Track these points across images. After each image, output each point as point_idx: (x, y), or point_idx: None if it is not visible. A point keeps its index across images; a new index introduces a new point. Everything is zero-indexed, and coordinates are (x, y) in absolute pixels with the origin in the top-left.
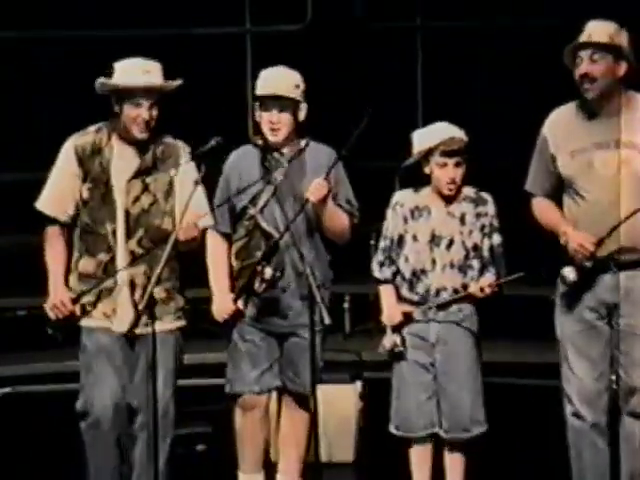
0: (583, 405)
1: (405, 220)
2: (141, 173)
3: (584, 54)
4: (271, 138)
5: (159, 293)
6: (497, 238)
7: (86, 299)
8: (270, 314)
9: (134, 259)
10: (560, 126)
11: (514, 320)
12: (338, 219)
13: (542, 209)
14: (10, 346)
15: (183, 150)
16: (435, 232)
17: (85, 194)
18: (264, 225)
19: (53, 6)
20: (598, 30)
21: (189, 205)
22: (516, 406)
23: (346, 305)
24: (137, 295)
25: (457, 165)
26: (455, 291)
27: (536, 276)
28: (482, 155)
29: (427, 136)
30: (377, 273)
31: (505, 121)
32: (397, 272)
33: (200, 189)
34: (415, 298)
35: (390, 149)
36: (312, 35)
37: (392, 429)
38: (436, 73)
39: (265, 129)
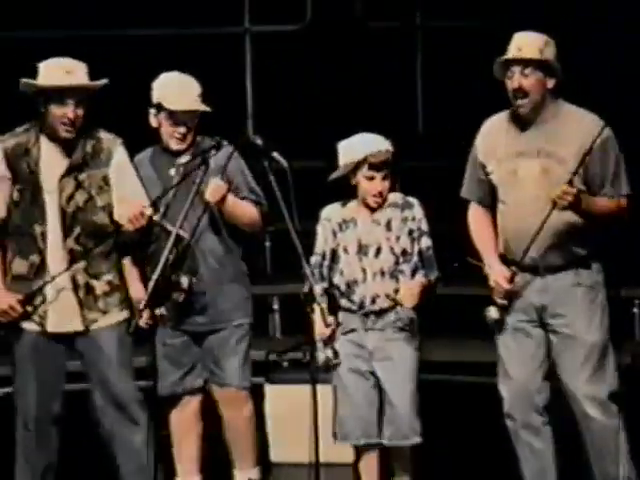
0: (513, 406)
1: (334, 234)
2: (72, 170)
3: (515, 68)
4: (176, 147)
5: (101, 287)
6: (425, 241)
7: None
8: (188, 314)
9: (73, 259)
10: (491, 134)
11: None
12: (243, 212)
13: (475, 223)
14: (10, 346)
15: (114, 142)
16: (362, 241)
17: (15, 195)
18: (171, 228)
19: (53, 6)
20: (528, 44)
21: (130, 198)
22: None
23: None
24: (81, 293)
25: (384, 178)
26: (387, 297)
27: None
28: None
29: (354, 148)
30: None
31: None
32: (330, 287)
33: (137, 180)
34: (353, 307)
35: None
36: (312, 35)
37: (332, 436)
38: (436, 73)
39: (171, 138)
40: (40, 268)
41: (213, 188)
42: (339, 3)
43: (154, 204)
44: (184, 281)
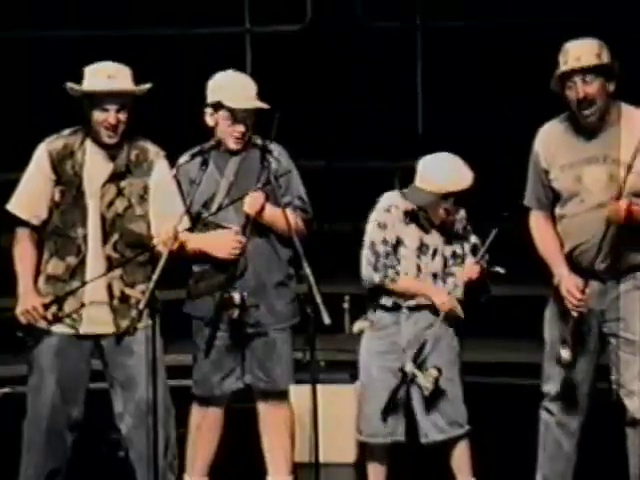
0: (555, 403)
1: (400, 222)
2: (115, 177)
3: (576, 78)
4: (234, 146)
5: (135, 296)
6: (473, 239)
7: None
8: (254, 310)
9: (110, 265)
10: (551, 140)
11: (500, 320)
12: (283, 222)
13: (540, 231)
14: (10, 346)
15: (157, 154)
16: (423, 240)
17: (57, 197)
18: (228, 226)
19: (52, 6)
20: (585, 52)
21: (166, 212)
22: (505, 406)
23: (346, 305)
24: (116, 302)
25: (454, 203)
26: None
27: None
28: (482, 154)
29: (442, 180)
30: (390, 282)
31: (505, 121)
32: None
33: (175, 195)
34: (389, 304)
35: (390, 149)
36: (312, 35)
37: (356, 433)
38: (436, 73)
39: (230, 137)
40: (76, 270)
41: (250, 200)
42: (339, 3)
43: (197, 216)
44: (236, 297)
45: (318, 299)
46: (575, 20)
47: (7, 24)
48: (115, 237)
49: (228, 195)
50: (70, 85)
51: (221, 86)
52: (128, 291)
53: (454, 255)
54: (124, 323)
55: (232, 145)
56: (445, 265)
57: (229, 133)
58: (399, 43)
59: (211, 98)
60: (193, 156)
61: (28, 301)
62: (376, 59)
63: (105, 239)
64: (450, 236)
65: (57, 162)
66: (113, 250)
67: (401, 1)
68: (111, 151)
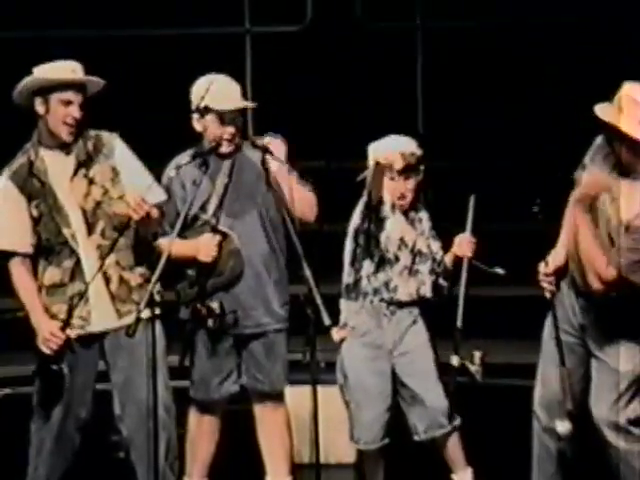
0: (541, 408)
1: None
2: (80, 167)
3: None
4: (226, 149)
5: (135, 279)
6: (438, 242)
7: (57, 308)
8: (232, 318)
9: (102, 254)
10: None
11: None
12: (303, 193)
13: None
14: (10, 346)
15: (112, 137)
16: (403, 233)
17: (35, 213)
18: (222, 229)
19: (52, 6)
20: (605, 103)
21: (140, 188)
22: (506, 407)
23: None
24: (114, 286)
25: (406, 179)
26: (409, 295)
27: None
28: (483, 155)
29: (379, 150)
30: None
31: (505, 121)
32: (368, 248)
33: (142, 169)
34: (369, 290)
35: None
36: (312, 35)
37: (353, 442)
38: (436, 73)
39: (221, 140)
40: (75, 271)
41: (275, 144)
42: (339, 3)
43: (194, 218)
44: (215, 306)
45: (318, 300)
46: (575, 20)
47: (7, 24)
48: (101, 225)
49: (223, 198)
50: (35, 76)
51: (206, 90)
52: (126, 275)
53: (420, 253)
54: (124, 308)
55: (224, 149)
56: (413, 262)
57: (219, 136)
58: (399, 43)
59: (198, 103)
60: (193, 157)
61: (44, 329)
62: (376, 59)
63: (91, 230)
64: (420, 232)
65: (22, 183)
66: (101, 238)
67: (401, 1)
68: (68, 148)
